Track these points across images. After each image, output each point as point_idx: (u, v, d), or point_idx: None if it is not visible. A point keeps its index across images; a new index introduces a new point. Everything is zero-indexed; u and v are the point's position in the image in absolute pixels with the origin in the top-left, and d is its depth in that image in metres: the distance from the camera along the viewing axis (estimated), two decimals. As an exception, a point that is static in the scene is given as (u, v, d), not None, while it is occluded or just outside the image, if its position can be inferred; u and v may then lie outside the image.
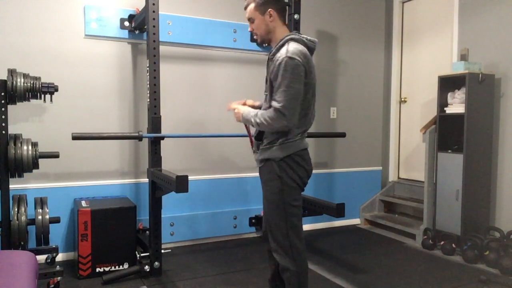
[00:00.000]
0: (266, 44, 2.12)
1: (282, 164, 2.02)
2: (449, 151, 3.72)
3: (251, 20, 2.13)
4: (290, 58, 1.91)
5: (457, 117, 3.64)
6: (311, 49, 2.07)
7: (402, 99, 4.75)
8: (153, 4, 2.97)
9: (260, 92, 4.13)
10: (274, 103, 1.94)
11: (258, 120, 2.01)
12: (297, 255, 2.05)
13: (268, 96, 2.05)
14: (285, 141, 2.02)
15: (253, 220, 4.09)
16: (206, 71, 3.89)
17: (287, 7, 2.13)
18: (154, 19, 2.98)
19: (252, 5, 2.09)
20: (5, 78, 2.69)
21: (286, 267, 2.04)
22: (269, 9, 2.05)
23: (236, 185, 4.06)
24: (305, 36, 2.09)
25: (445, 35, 4.19)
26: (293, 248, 2.04)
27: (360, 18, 4.67)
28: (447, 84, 3.76)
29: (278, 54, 1.98)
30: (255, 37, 2.16)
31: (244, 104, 2.30)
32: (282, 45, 2.01)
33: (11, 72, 2.71)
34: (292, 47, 1.95)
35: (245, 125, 2.30)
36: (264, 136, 2.10)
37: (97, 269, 3.02)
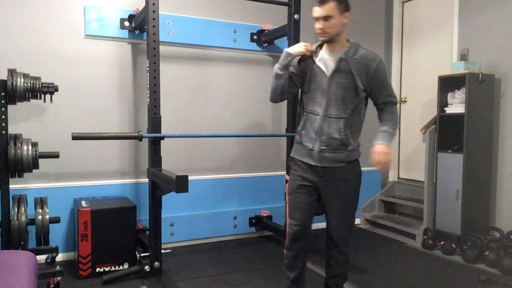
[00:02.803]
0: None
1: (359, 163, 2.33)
2: (449, 151, 3.72)
3: (328, 18, 2.15)
4: (381, 59, 2.24)
5: (457, 117, 3.64)
6: None
7: (402, 99, 4.75)
8: (153, 4, 2.97)
9: (260, 92, 4.15)
10: (393, 98, 2.32)
11: (392, 131, 2.37)
12: None
13: (349, 92, 2.21)
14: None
15: (253, 220, 4.09)
16: (206, 71, 3.89)
17: None
18: (154, 19, 2.98)
19: (333, 4, 2.14)
20: (5, 78, 2.69)
21: (348, 254, 2.36)
22: (348, 13, 2.21)
23: (236, 185, 4.06)
24: None
25: (445, 35, 4.19)
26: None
27: (360, 18, 4.67)
28: (447, 84, 3.76)
29: (368, 57, 2.21)
30: (324, 35, 2.20)
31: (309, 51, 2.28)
32: (357, 48, 2.25)
33: (11, 72, 2.71)
34: (367, 50, 2.25)
35: None
36: (347, 137, 2.27)
37: (97, 269, 3.02)
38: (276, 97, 2.34)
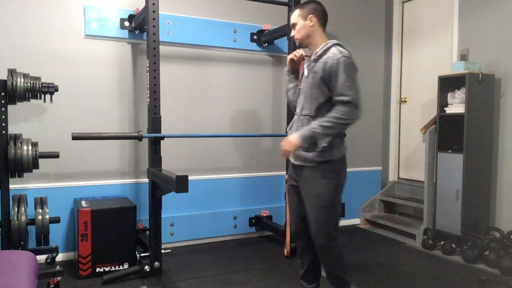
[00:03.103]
0: (306, 47, 2.39)
1: (339, 164, 2.27)
2: (449, 151, 3.72)
3: (294, 25, 2.33)
4: (346, 57, 2.15)
5: (457, 117, 3.64)
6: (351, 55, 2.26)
7: (402, 99, 4.75)
8: (153, 4, 2.97)
9: (260, 92, 4.15)
10: (343, 98, 2.12)
11: (326, 124, 2.14)
12: None
13: (314, 91, 2.22)
14: (341, 143, 2.27)
15: (253, 220, 4.09)
16: (206, 71, 3.89)
17: (327, 17, 2.35)
18: (154, 19, 2.98)
19: (296, 12, 2.32)
20: (5, 78, 2.69)
21: (329, 255, 2.37)
22: (311, 15, 2.27)
23: (236, 185, 4.06)
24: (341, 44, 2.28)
25: (445, 35, 4.19)
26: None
27: (360, 18, 4.67)
28: (447, 84, 3.76)
29: (329, 55, 2.17)
30: (295, 40, 2.36)
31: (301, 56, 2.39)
32: (329, 48, 2.21)
33: (11, 72, 2.71)
34: (343, 49, 2.19)
35: None
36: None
37: (97, 269, 3.02)
38: (291, 107, 2.51)
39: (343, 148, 2.29)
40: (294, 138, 2.20)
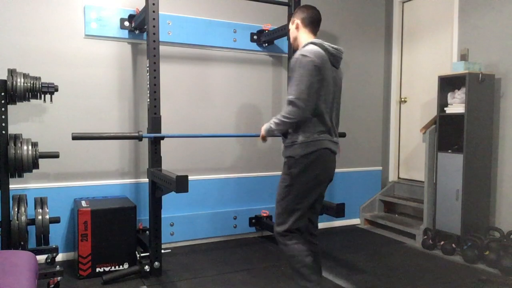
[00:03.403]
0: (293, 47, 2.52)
1: (300, 161, 2.23)
2: (449, 151, 3.72)
3: (288, 31, 2.53)
4: (303, 55, 2.18)
5: (457, 117, 3.64)
6: (334, 55, 2.28)
7: (402, 99, 4.75)
8: (153, 4, 2.97)
9: (260, 92, 4.15)
10: (288, 97, 2.19)
11: (277, 121, 2.25)
12: None
13: (288, 90, 2.27)
14: (306, 140, 2.21)
15: (253, 220, 4.09)
16: (206, 71, 3.89)
17: (318, 21, 2.43)
18: (154, 19, 2.98)
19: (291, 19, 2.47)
20: (5, 78, 2.69)
21: (282, 246, 2.35)
22: (295, 20, 2.42)
23: (236, 185, 4.06)
24: (329, 44, 2.30)
25: (445, 35, 4.19)
26: None
27: (360, 18, 4.67)
28: (447, 84, 3.76)
29: (295, 55, 2.25)
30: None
31: None
32: (303, 47, 2.27)
33: (11, 72, 2.71)
34: (307, 47, 2.23)
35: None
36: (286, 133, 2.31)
37: (97, 269, 3.02)
38: None
39: (309, 146, 2.20)
40: (262, 128, 2.40)
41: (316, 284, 2.26)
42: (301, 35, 2.40)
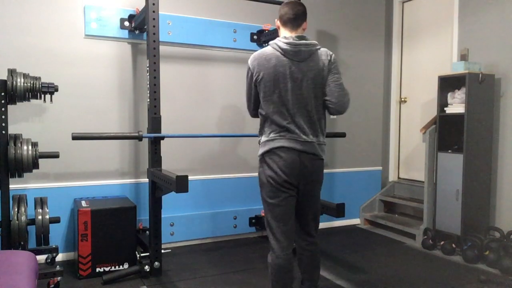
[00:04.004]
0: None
1: (261, 160, 2.28)
2: (449, 151, 3.72)
3: None
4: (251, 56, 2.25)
5: (457, 117, 3.64)
6: (288, 51, 2.14)
7: (402, 99, 4.75)
8: (153, 4, 2.97)
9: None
10: None
11: None
12: None
13: None
14: (265, 140, 2.24)
15: (253, 220, 4.09)
16: (206, 71, 3.89)
17: (291, 16, 2.22)
18: (154, 19, 2.98)
19: None
20: (5, 78, 2.69)
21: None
22: (276, 20, 2.32)
23: (236, 185, 4.06)
24: (286, 39, 2.15)
25: (445, 35, 4.19)
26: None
27: (360, 18, 4.67)
28: (447, 84, 3.76)
29: None
30: None
31: None
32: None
33: (11, 72, 2.71)
34: (264, 48, 2.25)
35: None
36: None
37: (97, 269, 3.02)
38: None
39: (266, 146, 2.20)
40: None
41: None
42: (281, 34, 2.25)
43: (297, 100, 2.15)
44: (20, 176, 2.80)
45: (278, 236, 2.19)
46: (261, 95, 2.21)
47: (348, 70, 4.58)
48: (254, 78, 2.20)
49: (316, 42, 2.22)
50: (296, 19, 2.21)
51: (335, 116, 4.55)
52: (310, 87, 2.16)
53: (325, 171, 4.74)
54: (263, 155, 2.23)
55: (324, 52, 2.21)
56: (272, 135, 2.18)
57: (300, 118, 2.15)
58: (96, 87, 3.46)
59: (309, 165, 2.18)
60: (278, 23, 2.29)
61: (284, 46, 2.14)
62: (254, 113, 2.37)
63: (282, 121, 2.15)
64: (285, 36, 2.19)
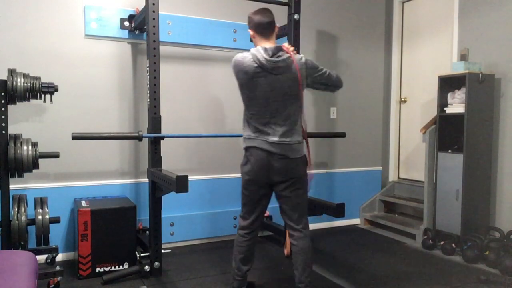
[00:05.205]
0: None
1: (244, 154, 2.51)
2: (449, 151, 3.72)
3: None
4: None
5: (457, 117, 3.64)
6: (266, 66, 2.31)
7: (402, 99, 4.75)
8: (153, 4, 2.97)
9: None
10: None
11: None
12: None
13: None
14: (246, 136, 2.47)
15: (253, 220, 4.09)
16: (206, 71, 3.89)
17: (265, 24, 2.39)
18: (154, 19, 2.98)
19: None
20: (5, 78, 2.69)
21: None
22: (249, 29, 2.47)
23: (236, 185, 4.03)
24: (266, 53, 2.32)
25: (445, 35, 4.19)
26: None
27: (360, 18, 4.67)
28: (447, 84, 3.76)
29: None
30: None
31: None
32: None
33: (11, 72, 2.71)
34: (238, 55, 2.45)
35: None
36: None
37: (97, 269, 3.02)
38: None
39: (245, 142, 2.47)
40: None
41: (234, 273, 2.64)
42: (256, 43, 2.44)
43: (273, 107, 2.36)
44: (20, 176, 2.80)
45: (244, 213, 2.58)
46: (242, 98, 2.48)
47: (348, 70, 4.58)
48: (237, 83, 2.48)
49: (287, 51, 2.37)
50: (269, 27, 2.39)
51: (335, 116, 4.56)
52: (292, 95, 2.36)
53: (325, 170, 4.75)
54: (244, 150, 2.49)
55: (297, 60, 2.37)
56: (250, 134, 2.44)
57: (274, 122, 2.37)
58: (96, 87, 3.46)
59: (277, 164, 2.38)
60: (252, 32, 2.44)
61: (264, 62, 2.31)
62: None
63: (258, 125, 2.40)
64: (266, 47, 2.34)
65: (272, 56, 2.31)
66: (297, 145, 2.41)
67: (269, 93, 2.34)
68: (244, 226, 2.58)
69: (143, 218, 3.53)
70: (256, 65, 2.32)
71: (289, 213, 2.49)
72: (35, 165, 2.77)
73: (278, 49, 2.34)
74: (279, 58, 2.32)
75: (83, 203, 3.14)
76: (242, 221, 2.60)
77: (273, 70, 2.32)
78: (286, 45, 2.42)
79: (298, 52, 3.48)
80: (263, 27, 2.39)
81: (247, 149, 2.46)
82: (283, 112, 2.36)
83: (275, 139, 2.36)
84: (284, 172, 2.39)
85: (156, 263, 3.05)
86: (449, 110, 3.74)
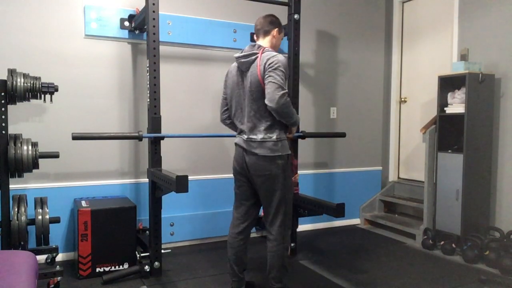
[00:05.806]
0: None
1: None
2: (449, 151, 3.72)
3: None
4: None
5: (457, 117, 3.64)
6: (240, 62, 2.49)
7: (402, 99, 4.75)
8: (153, 4, 2.97)
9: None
10: None
11: None
12: None
13: None
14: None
15: (253, 220, 4.09)
16: (206, 71, 3.89)
17: (255, 28, 2.61)
18: (154, 19, 2.98)
19: None
20: (5, 78, 2.69)
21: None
22: None
23: (236, 185, 4.05)
24: (241, 52, 2.51)
25: (445, 35, 4.19)
26: None
27: (360, 18, 4.67)
28: (447, 84, 3.76)
29: None
30: None
31: None
32: None
33: (11, 72, 2.71)
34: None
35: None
36: None
37: (97, 269, 3.02)
38: None
39: (235, 140, 2.62)
40: None
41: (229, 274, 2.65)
42: None
43: (245, 105, 2.47)
44: (20, 176, 2.80)
45: (234, 213, 2.71)
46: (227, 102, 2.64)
47: (348, 70, 4.58)
48: (225, 87, 2.67)
49: (261, 50, 2.43)
50: (258, 30, 2.58)
51: (335, 116, 4.56)
52: (254, 92, 2.42)
53: (325, 170, 4.75)
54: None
55: (264, 57, 2.40)
56: (236, 132, 2.64)
57: (247, 120, 2.46)
58: (96, 87, 3.46)
59: (249, 161, 2.48)
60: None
61: (238, 59, 2.50)
62: (222, 118, 2.79)
63: (237, 123, 2.57)
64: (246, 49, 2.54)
65: (241, 53, 2.48)
66: (268, 143, 2.42)
67: (240, 90, 2.51)
68: (234, 225, 2.67)
69: (143, 218, 3.53)
70: (235, 63, 2.57)
71: (265, 211, 2.57)
72: (35, 165, 2.77)
73: (252, 46, 2.48)
74: (243, 54, 2.47)
75: (83, 203, 3.14)
76: (232, 220, 2.71)
77: (241, 65, 2.48)
78: None
79: (298, 53, 3.49)
80: (255, 30, 2.63)
81: (235, 145, 2.62)
82: (250, 109, 2.45)
83: (245, 136, 2.48)
84: (254, 169, 2.46)
85: (156, 263, 3.05)
86: (449, 110, 3.74)
